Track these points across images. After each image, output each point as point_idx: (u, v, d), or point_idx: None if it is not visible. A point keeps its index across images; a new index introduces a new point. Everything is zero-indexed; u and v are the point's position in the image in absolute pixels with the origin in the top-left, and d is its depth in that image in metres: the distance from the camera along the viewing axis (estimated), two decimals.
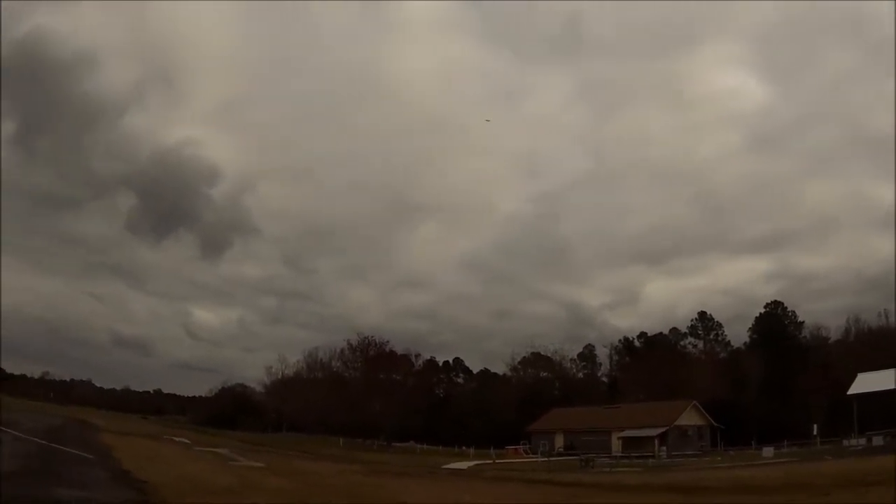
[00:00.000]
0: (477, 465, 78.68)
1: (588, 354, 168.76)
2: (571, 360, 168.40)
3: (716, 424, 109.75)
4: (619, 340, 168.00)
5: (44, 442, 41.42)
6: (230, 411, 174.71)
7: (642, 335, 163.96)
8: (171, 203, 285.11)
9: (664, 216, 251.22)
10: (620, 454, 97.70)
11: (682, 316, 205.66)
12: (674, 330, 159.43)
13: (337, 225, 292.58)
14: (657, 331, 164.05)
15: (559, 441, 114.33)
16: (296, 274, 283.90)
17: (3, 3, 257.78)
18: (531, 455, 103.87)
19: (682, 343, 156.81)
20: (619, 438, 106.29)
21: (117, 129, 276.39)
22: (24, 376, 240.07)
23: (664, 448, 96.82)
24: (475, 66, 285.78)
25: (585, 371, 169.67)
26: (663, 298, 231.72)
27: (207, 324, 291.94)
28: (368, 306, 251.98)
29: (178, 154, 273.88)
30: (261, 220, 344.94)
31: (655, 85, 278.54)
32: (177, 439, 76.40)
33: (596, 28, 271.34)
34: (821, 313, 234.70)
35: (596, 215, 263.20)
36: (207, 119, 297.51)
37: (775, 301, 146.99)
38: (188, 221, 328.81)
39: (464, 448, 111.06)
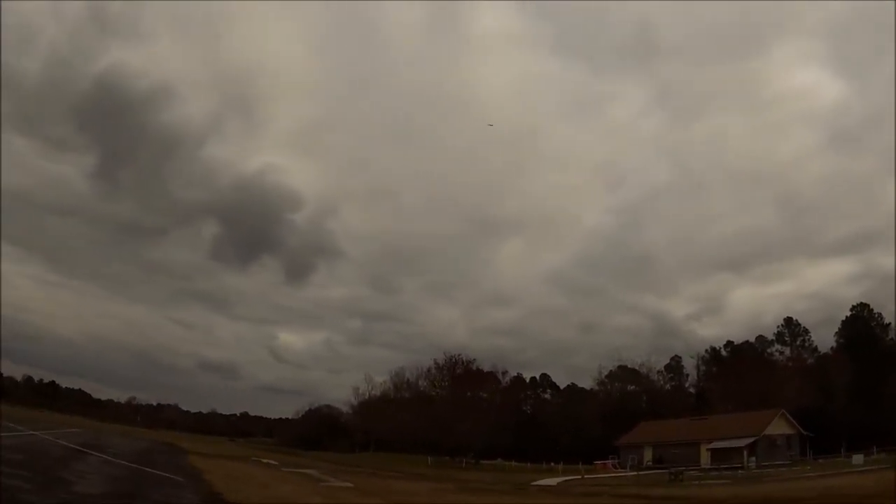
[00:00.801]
0: (565, 480, 78.29)
1: (675, 366, 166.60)
2: (658, 371, 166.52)
3: (804, 432, 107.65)
4: (706, 350, 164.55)
5: (133, 465, 42.24)
6: (318, 432, 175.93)
7: (728, 344, 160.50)
8: (254, 229, 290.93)
9: (747, 221, 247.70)
10: (709, 466, 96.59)
11: (768, 322, 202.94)
12: (760, 337, 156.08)
13: (420, 244, 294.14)
14: (743, 339, 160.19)
15: (648, 454, 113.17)
16: (380, 294, 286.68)
17: (79, 41, 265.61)
18: (620, 469, 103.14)
19: (768, 350, 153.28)
20: (707, 450, 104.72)
21: (198, 159, 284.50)
22: (111, 401, 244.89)
23: (753, 458, 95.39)
24: (550, 79, 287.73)
25: (672, 383, 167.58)
26: (748, 305, 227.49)
27: (293, 346, 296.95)
28: (454, 324, 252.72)
29: (259, 181, 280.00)
30: (344, 243, 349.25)
31: (731, 87, 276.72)
32: (265, 461, 77.18)
33: (667, 33, 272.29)
34: None
35: (678, 223, 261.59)
36: (287, 145, 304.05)
37: (861, 303, 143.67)
38: (272, 247, 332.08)
39: (552, 464, 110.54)
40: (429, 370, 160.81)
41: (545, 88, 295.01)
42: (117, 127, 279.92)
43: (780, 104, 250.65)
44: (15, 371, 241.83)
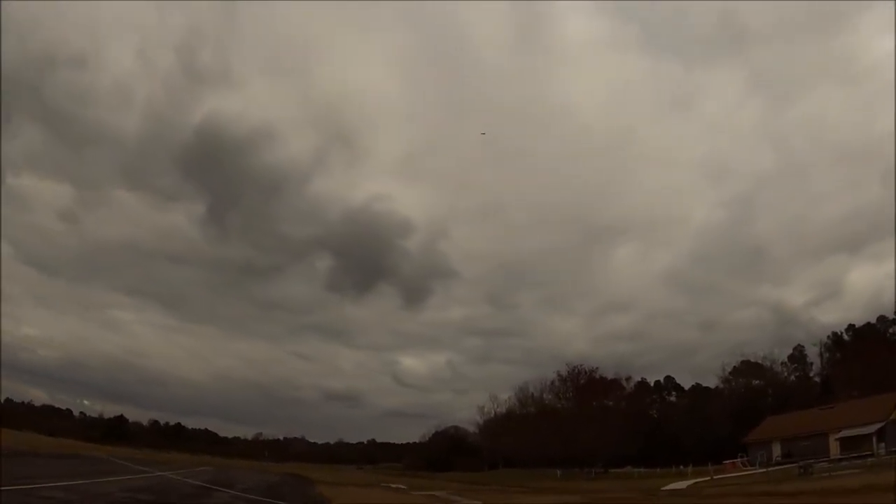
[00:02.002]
0: (694, 483, 77.98)
1: (798, 356, 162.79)
2: (782, 363, 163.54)
3: None
4: (828, 336, 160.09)
5: (262, 498, 43.46)
6: (445, 454, 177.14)
7: (850, 328, 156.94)
8: (367, 258, 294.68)
9: (854, 199, 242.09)
10: (840, 456, 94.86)
11: (889, 302, 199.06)
12: (881, 318, 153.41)
13: (533, 257, 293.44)
14: (864, 321, 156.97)
15: (776, 450, 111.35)
16: (498, 311, 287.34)
17: (173, 94, 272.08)
18: (749, 467, 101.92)
19: (890, 330, 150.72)
20: (836, 440, 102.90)
21: (304, 195, 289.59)
22: (237, 438, 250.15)
23: (883, 444, 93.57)
24: (642, 78, 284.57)
25: (797, 373, 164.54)
26: (867, 286, 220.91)
27: (416, 370, 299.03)
28: (573, 334, 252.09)
29: (367, 210, 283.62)
30: (458, 264, 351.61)
31: (822, 64, 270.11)
32: (393, 486, 78.37)
33: (751, 18, 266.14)
34: None
35: (787, 209, 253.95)
36: (391, 173, 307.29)
37: None
38: (387, 274, 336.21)
39: (681, 467, 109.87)
40: (552, 383, 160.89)
41: (638, 88, 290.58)
42: (222, 172, 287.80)
43: (872, 76, 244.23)
44: (141, 416, 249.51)
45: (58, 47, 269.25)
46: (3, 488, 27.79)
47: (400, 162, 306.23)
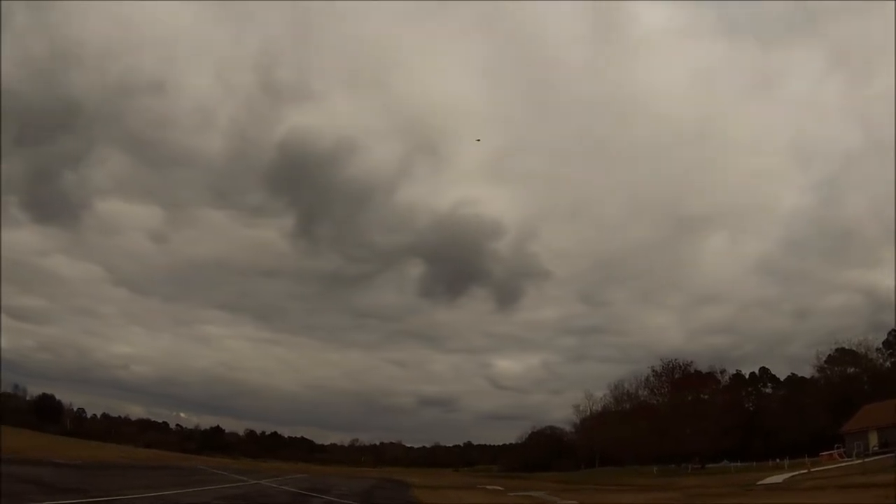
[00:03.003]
0: (791, 476, 77.32)
1: (893, 341, 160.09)
2: (877, 349, 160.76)
3: None
4: None
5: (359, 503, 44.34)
6: (542, 454, 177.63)
7: None
8: (458, 263, 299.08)
9: None
10: None
11: None
12: None
13: (624, 253, 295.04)
14: None
15: (872, 439, 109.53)
16: (591, 309, 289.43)
17: (256, 113, 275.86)
18: (846, 459, 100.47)
19: None
20: None
21: (392, 204, 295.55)
22: (334, 445, 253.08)
23: None
24: (722, 63, 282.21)
25: (893, 359, 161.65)
26: None
27: (510, 372, 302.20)
28: (667, 329, 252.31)
29: (456, 215, 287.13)
30: (549, 263, 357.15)
31: None
32: (490, 487, 79.04)
33: None
34: None
35: (876, 188, 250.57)
36: (478, 176, 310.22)
37: None
38: (479, 277, 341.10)
39: (777, 460, 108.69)
40: (647, 379, 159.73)
41: (717, 74, 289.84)
42: (309, 186, 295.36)
43: None
44: (237, 426, 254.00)
45: (136, 75, 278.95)
46: (99, 499, 29.00)
47: (486, 165, 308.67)
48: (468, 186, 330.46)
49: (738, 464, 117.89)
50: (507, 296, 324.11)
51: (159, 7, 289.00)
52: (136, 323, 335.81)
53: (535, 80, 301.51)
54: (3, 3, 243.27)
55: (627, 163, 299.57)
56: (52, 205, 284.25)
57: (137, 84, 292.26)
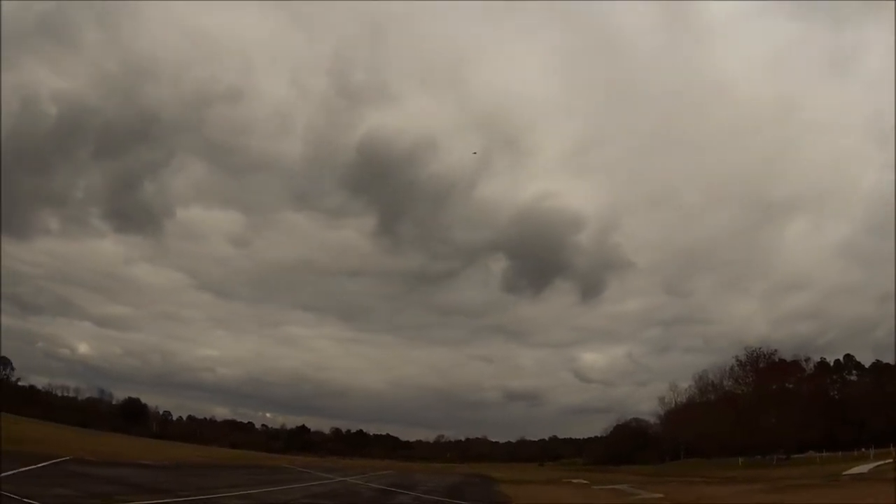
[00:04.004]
0: (876, 466, 76.05)
1: None
2: None
3: None
4: None
5: (444, 499, 44.61)
6: (627, 446, 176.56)
7: None
8: (541, 257, 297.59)
9: None
10: None
11: None
12: None
13: (706, 242, 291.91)
14: None
15: None
16: (675, 299, 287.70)
17: (333, 116, 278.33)
18: None
19: None
20: None
21: (472, 200, 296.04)
22: (419, 441, 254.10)
23: None
24: (794, 43, 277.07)
25: None
26: None
27: (595, 365, 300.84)
28: (751, 317, 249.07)
29: (537, 209, 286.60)
30: (632, 254, 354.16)
31: None
32: (575, 481, 78.92)
33: None
34: None
35: None
36: (557, 169, 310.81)
37: None
38: (561, 270, 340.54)
39: (863, 450, 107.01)
40: (731, 368, 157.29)
41: (791, 54, 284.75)
42: (389, 186, 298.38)
43: None
44: (323, 425, 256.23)
45: (212, 84, 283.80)
46: (186, 499, 29.50)
47: (565, 158, 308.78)
48: (548, 179, 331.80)
49: (824, 454, 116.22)
50: (590, 288, 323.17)
51: (232, 17, 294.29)
52: (220, 326, 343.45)
53: (610, 70, 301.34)
54: (71, 23, 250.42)
55: (706, 149, 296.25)
56: (134, 215, 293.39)
57: (214, 93, 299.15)
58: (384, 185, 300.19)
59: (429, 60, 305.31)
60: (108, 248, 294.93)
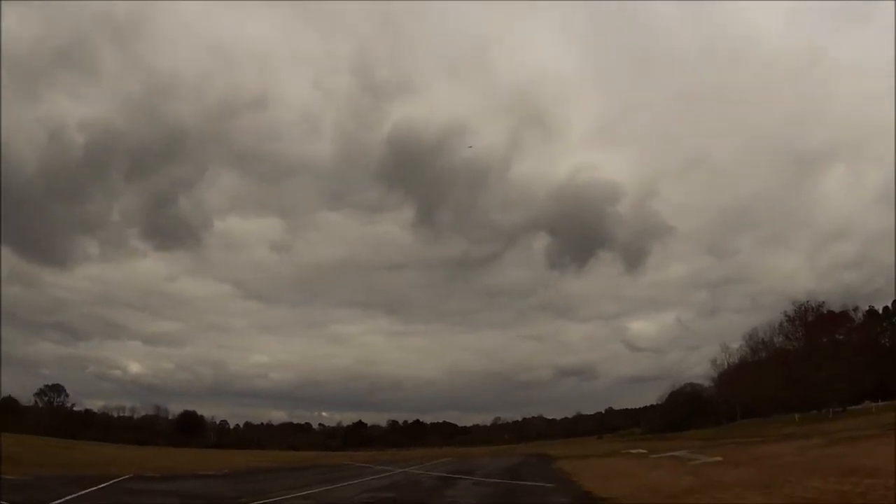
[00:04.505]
0: None
1: None
2: None
3: None
4: None
5: (504, 481, 45.13)
6: (683, 413, 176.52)
7: None
8: (582, 231, 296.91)
9: None
10: None
11: None
12: None
13: (746, 199, 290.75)
14: None
15: None
16: (719, 260, 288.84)
17: (360, 113, 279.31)
18: None
19: None
20: None
21: (508, 181, 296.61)
22: (476, 426, 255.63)
23: None
24: None
25: None
26: None
27: (645, 333, 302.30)
28: (796, 271, 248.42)
29: (573, 183, 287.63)
30: (672, 219, 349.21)
31: None
32: (633, 451, 79.05)
33: None
34: None
35: None
36: (590, 142, 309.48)
37: None
38: (603, 242, 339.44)
39: None
40: (780, 325, 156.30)
41: (815, 3, 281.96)
42: (423, 176, 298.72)
43: None
44: (379, 419, 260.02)
45: (235, 94, 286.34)
46: None
47: (596, 129, 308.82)
48: (581, 153, 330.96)
49: (880, 403, 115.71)
50: (633, 257, 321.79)
51: (247, 25, 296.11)
52: (268, 332, 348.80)
53: (631, 35, 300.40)
54: (89, 51, 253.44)
55: (737, 106, 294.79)
56: (172, 231, 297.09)
57: (239, 102, 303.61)
58: (418, 175, 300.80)
59: (449, 47, 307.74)
60: (149, 267, 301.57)
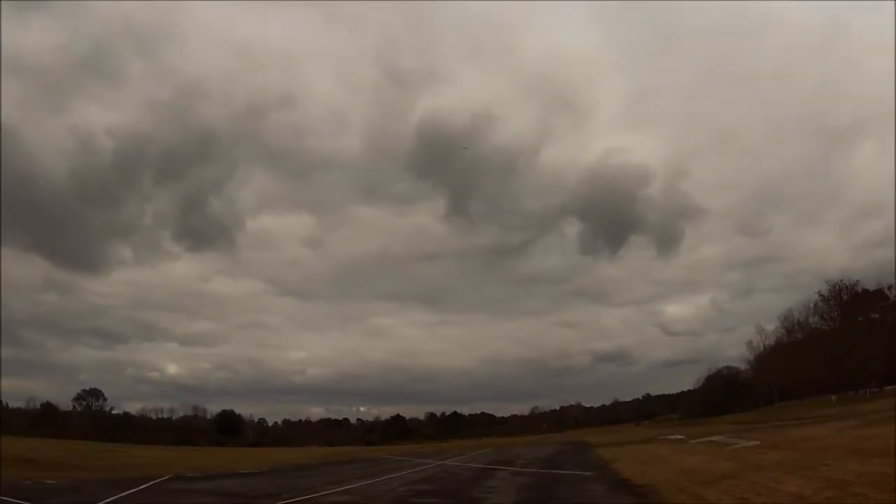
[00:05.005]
0: None
1: None
2: None
3: None
4: None
5: (542, 470, 45.32)
6: (720, 396, 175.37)
7: None
8: (613, 215, 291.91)
9: None
10: None
11: None
12: None
13: (777, 177, 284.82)
14: None
15: None
16: (752, 240, 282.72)
17: (386, 105, 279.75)
18: None
19: None
20: None
21: (538, 167, 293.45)
22: (514, 416, 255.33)
23: None
24: None
25: None
26: None
27: (680, 316, 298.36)
28: (830, 249, 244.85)
29: (604, 167, 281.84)
30: (704, 199, 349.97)
31: None
32: (671, 437, 79.06)
33: None
34: None
35: None
36: (618, 125, 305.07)
37: None
38: (635, 226, 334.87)
39: None
40: (815, 305, 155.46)
41: None
42: (453, 165, 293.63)
43: None
44: (417, 412, 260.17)
45: (262, 94, 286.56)
46: (286, 501, 30.43)
47: (624, 112, 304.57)
48: (610, 136, 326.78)
49: None
50: (666, 240, 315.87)
51: (268, 25, 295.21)
52: (305, 328, 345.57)
53: (654, 14, 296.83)
54: (113, 58, 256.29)
55: (765, 83, 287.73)
56: (205, 232, 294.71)
57: (266, 101, 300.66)
58: (448, 165, 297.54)
59: (473, 34, 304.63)
60: (183, 269, 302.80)
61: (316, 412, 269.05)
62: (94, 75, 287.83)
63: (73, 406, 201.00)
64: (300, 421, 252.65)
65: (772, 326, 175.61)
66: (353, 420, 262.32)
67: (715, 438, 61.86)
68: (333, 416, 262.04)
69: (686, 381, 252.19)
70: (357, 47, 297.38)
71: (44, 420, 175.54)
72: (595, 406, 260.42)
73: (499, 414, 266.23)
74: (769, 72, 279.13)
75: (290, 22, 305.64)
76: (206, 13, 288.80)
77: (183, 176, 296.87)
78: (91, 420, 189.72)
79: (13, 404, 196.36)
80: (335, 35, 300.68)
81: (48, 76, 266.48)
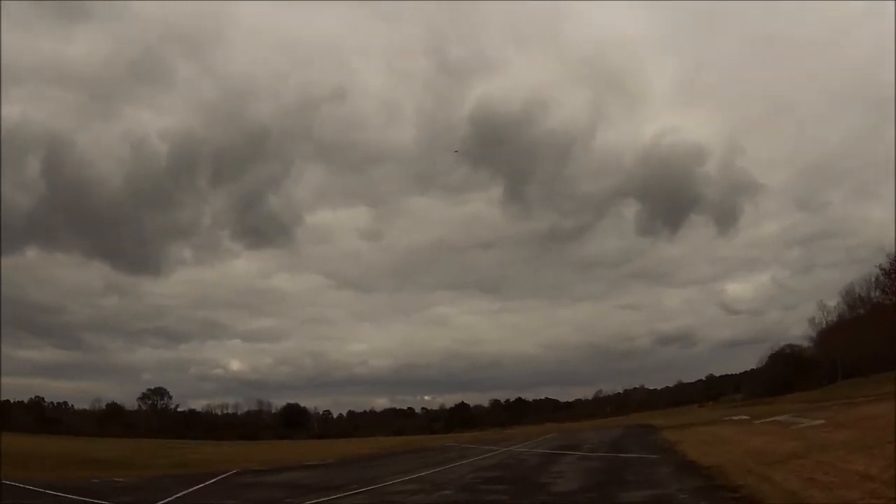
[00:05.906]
0: None
1: None
2: None
3: None
4: None
5: (608, 454, 45.36)
6: (783, 375, 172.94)
7: None
8: (670, 195, 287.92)
9: None
10: None
11: None
12: None
13: (832, 149, 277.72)
14: None
15: None
16: (811, 215, 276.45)
17: (439, 95, 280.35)
18: None
19: None
20: None
21: (594, 150, 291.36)
22: (578, 400, 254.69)
23: None
24: None
25: None
26: None
27: (742, 295, 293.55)
28: (889, 221, 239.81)
29: (658, 148, 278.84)
30: (761, 175, 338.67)
31: None
32: (736, 418, 78.59)
33: None
34: None
35: None
36: (672, 104, 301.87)
37: None
38: (693, 205, 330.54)
39: None
40: (876, 279, 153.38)
41: None
42: (508, 152, 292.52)
43: None
44: (481, 399, 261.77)
45: (313, 89, 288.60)
46: (355, 492, 30.85)
47: (676, 91, 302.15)
48: (664, 116, 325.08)
49: None
50: (725, 218, 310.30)
51: (314, 20, 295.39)
52: (366, 320, 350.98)
53: None
54: (162, 63, 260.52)
55: (816, 52, 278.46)
56: (263, 229, 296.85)
57: (317, 96, 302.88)
58: (503, 152, 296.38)
59: (521, 20, 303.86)
60: (243, 266, 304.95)
61: (380, 402, 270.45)
62: (143, 80, 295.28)
63: (139, 405, 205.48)
64: (365, 412, 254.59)
65: (833, 302, 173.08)
66: (417, 409, 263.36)
67: (779, 418, 61.38)
68: (398, 406, 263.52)
69: (749, 361, 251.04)
70: (405, 38, 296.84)
71: (110, 420, 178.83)
72: (658, 388, 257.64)
73: (562, 399, 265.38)
74: (818, 41, 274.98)
75: (337, 17, 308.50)
76: (250, 13, 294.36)
77: (239, 175, 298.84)
78: (157, 418, 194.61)
79: (78, 406, 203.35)
80: (382, 27, 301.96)
81: (98, 84, 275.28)
